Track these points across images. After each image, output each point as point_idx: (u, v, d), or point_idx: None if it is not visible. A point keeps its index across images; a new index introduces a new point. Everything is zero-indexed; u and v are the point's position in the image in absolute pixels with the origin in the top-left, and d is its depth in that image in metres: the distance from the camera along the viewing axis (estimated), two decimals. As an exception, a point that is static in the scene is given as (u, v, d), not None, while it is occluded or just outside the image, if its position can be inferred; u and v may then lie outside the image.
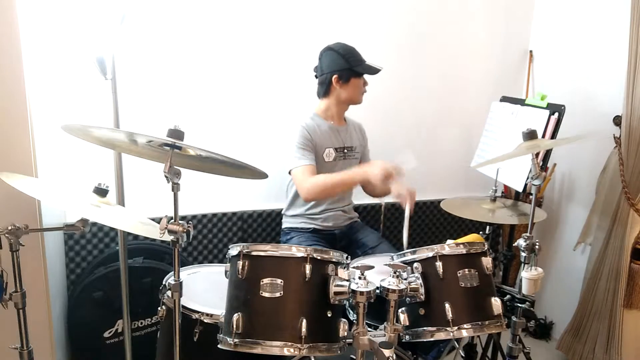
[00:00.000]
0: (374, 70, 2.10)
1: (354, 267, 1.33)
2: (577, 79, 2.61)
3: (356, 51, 2.10)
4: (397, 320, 1.30)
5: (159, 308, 1.54)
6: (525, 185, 2.16)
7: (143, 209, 1.89)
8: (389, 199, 2.28)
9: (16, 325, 1.38)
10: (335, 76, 2.08)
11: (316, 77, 2.18)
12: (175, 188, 1.26)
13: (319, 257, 1.27)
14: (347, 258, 1.35)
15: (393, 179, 1.88)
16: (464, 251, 1.37)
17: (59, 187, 1.60)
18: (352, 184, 2.09)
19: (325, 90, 2.14)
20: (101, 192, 1.48)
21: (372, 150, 2.43)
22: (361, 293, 1.24)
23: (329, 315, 1.26)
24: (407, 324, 1.30)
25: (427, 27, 2.69)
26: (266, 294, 1.22)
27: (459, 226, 2.98)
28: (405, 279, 1.32)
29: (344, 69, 2.07)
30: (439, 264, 1.33)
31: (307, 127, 2.09)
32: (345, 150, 2.21)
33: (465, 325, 1.30)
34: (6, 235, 1.31)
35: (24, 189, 1.31)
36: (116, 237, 2.23)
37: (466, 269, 1.34)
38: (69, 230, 1.45)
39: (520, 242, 1.58)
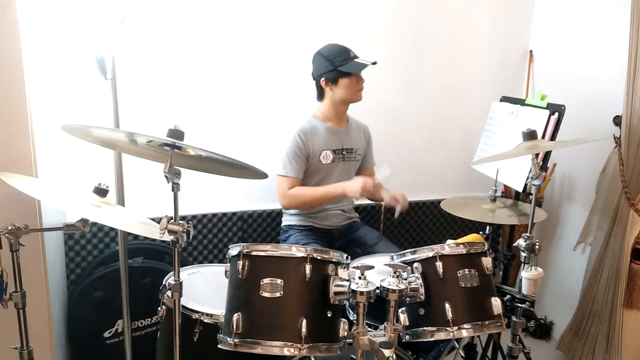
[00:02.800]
0: (360, 66, 2.06)
1: (354, 267, 1.33)
2: (577, 79, 2.61)
3: (342, 50, 2.09)
4: (397, 320, 1.30)
5: (159, 308, 1.54)
6: (525, 185, 2.16)
7: (143, 209, 1.89)
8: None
9: (16, 325, 1.38)
10: (322, 79, 2.10)
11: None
12: (175, 188, 1.26)
13: (319, 257, 1.27)
14: (347, 258, 1.35)
15: (372, 194, 2.05)
16: (464, 251, 1.37)
17: (59, 187, 1.60)
18: (330, 199, 2.16)
19: (319, 93, 2.17)
20: (101, 192, 1.48)
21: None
22: (361, 293, 1.24)
23: (329, 315, 1.26)
24: (407, 324, 1.31)
25: (427, 27, 2.69)
26: (266, 294, 1.22)
27: (459, 226, 2.98)
28: (405, 279, 1.32)
29: (329, 71, 2.08)
30: (439, 264, 1.33)
31: (301, 132, 2.10)
32: (344, 152, 2.21)
33: (465, 325, 1.30)
34: (6, 235, 1.31)
35: (24, 189, 1.31)
36: (116, 237, 2.23)
37: (466, 269, 1.34)
38: (69, 230, 1.45)
39: (520, 242, 1.58)
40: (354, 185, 2.00)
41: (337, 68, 2.06)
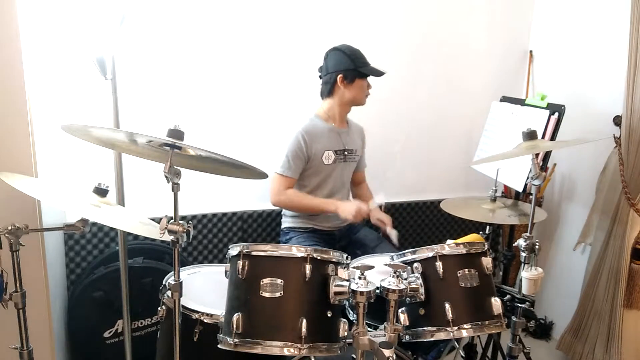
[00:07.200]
0: (378, 73, 2.11)
1: (354, 267, 1.33)
2: (577, 79, 2.61)
3: (361, 53, 2.12)
4: (397, 320, 1.30)
5: (159, 308, 1.54)
6: (525, 185, 2.16)
7: (143, 209, 1.89)
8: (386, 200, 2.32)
9: (16, 325, 1.38)
10: (340, 76, 2.08)
11: (320, 77, 2.19)
12: (175, 188, 1.26)
13: (319, 257, 1.27)
14: (347, 258, 1.35)
15: (365, 218, 2.07)
16: (464, 251, 1.37)
17: (59, 187, 1.60)
18: (320, 212, 2.17)
19: (329, 90, 2.14)
20: (101, 192, 1.48)
21: (372, 151, 2.43)
22: (361, 293, 1.24)
23: (329, 315, 1.26)
24: (407, 324, 1.30)
25: (427, 27, 2.69)
26: (266, 294, 1.22)
27: (459, 226, 2.98)
28: (405, 279, 1.32)
29: (349, 69, 2.08)
30: (439, 264, 1.33)
31: (304, 132, 2.09)
32: (346, 153, 2.21)
33: (465, 325, 1.30)
34: (6, 235, 1.31)
35: (24, 189, 1.31)
36: (116, 237, 2.23)
37: (466, 269, 1.34)
38: (69, 230, 1.45)
39: (520, 242, 1.58)
40: (349, 208, 2.01)
41: (358, 68, 2.08)
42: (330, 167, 2.17)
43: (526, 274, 1.57)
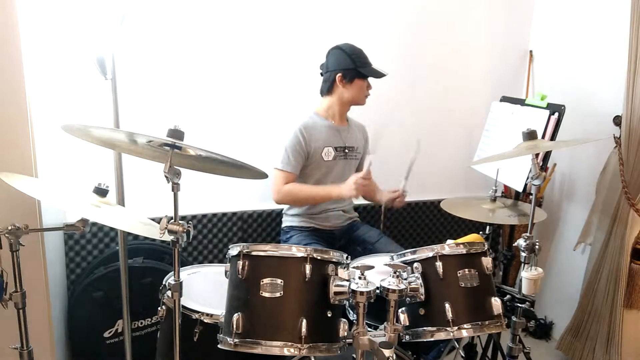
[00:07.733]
0: (378, 74, 2.10)
1: (354, 267, 1.33)
2: (577, 79, 2.61)
3: (363, 53, 2.11)
4: (397, 320, 1.30)
5: (159, 308, 1.54)
6: (525, 185, 2.16)
7: (143, 209, 1.89)
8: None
9: (16, 325, 1.38)
10: (339, 75, 2.09)
11: (322, 74, 2.19)
12: (175, 188, 1.26)
13: (319, 257, 1.27)
14: (347, 258, 1.35)
15: (366, 191, 2.01)
16: (464, 251, 1.37)
17: (59, 187, 1.60)
18: (324, 200, 2.16)
19: (328, 88, 2.15)
20: (101, 192, 1.48)
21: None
22: (361, 293, 1.24)
23: (329, 315, 1.26)
24: (407, 324, 1.30)
25: (427, 27, 2.69)
26: (266, 294, 1.22)
27: (459, 226, 2.98)
28: (405, 279, 1.32)
29: (348, 69, 2.08)
30: (439, 264, 1.33)
31: (303, 128, 2.10)
32: (346, 150, 2.22)
33: (465, 325, 1.30)
34: (6, 235, 1.31)
35: (24, 189, 1.31)
36: (116, 237, 2.23)
37: (466, 269, 1.34)
38: (69, 230, 1.45)
39: (520, 242, 1.58)
40: (349, 185, 1.98)
41: (358, 68, 2.07)
42: (331, 163, 2.17)
43: (526, 274, 1.57)
